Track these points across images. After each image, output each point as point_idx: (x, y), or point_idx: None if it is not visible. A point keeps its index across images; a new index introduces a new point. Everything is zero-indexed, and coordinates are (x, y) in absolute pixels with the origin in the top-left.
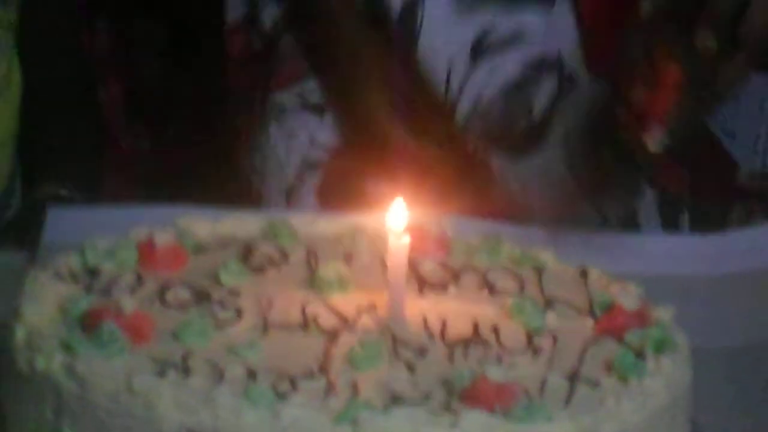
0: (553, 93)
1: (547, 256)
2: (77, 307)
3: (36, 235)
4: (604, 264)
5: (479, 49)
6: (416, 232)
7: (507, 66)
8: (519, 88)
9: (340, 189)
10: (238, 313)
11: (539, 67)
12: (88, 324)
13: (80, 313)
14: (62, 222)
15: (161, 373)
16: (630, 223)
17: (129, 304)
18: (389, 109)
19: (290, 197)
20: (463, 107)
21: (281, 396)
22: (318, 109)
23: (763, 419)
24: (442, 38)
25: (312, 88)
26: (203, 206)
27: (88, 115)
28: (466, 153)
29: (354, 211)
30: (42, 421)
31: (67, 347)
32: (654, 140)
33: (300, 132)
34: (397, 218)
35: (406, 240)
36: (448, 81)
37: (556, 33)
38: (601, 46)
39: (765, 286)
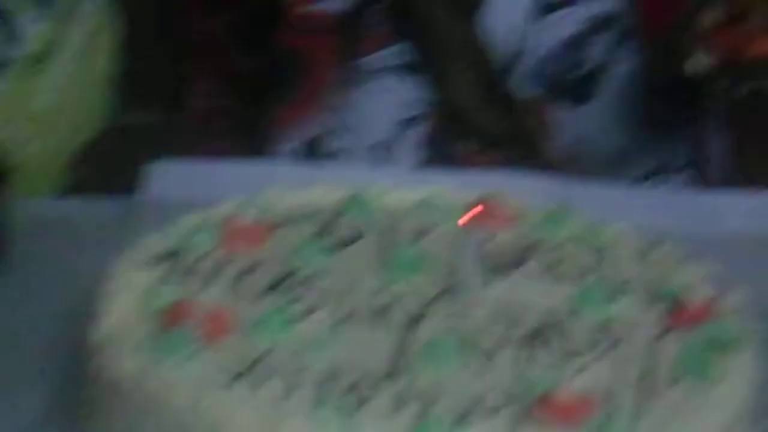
0: (610, 47)
1: (611, 230)
2: (157, 301)
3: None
4: (667, 222)
5: (543, 7)
6: (486, 204)
7: (568, 22)
8: (578, 43)
9: (433, 147)
10: (313, 303)
11: (598, 22)
12: (166, 323)
13: (160, 308)
14: (164, 177)
15: (231, 385)
16: (691, 175)
17: (207, 299)
18: (466, 78)
19: (383, 153)
20: (527, 62)
21: (350, 412)
22: (408, 70)
23: None
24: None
25: (400, 52)
26: (292, 162)
27: (174, 47)
28: (523, 113)
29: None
30: (114, 427)
31: (142, 353)
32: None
33: (391, 91)
34: (471, 211)
35: (478, 230)
36: (513, 41)
37: None
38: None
39: None
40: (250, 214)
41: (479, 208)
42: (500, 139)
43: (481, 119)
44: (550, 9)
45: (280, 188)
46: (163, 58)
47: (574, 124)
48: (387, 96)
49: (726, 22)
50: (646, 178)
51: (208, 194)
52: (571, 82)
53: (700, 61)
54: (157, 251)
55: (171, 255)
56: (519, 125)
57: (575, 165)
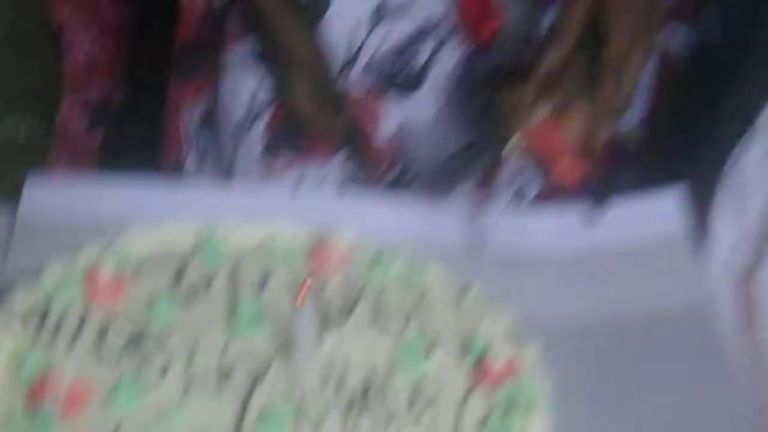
0: (435, 47)
1: (430, 272)
2: (24, 373)
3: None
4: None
5: (378, 16)
6: (322, 249)
7: (400, 29)
8: (407, 46)
9: (277, 138)
10: (165, 365)
11: (424, 28)
12: (32, 397)
13: (26, 381)
14: (39, 196)
15: None
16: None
17: (70, 367)
18: (304, 87)
19: (239, 144)
20: (361, 62)
21: None
22: (258, 66)
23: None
24: (347, 7)
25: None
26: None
27: (49, 59)
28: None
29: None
30: None
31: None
32: None
33: (245, 81)
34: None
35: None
36: (351, 44)
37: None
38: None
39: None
40: (110, 262)
41: (309, 281)
42: (332, 138)
43: (317, 122)
44: (382, 17)
45: (138, 229)
46: (40, 60)
47: (403, 112)
48: (242, 85)
49: (547, 122)
50: (460, 154)
51: (84, 212)
52: (401, 76)
53: (512, 145)
54: (24, 310)
55: (37, 314)
56: (349, 124)
57: (401, 152)
